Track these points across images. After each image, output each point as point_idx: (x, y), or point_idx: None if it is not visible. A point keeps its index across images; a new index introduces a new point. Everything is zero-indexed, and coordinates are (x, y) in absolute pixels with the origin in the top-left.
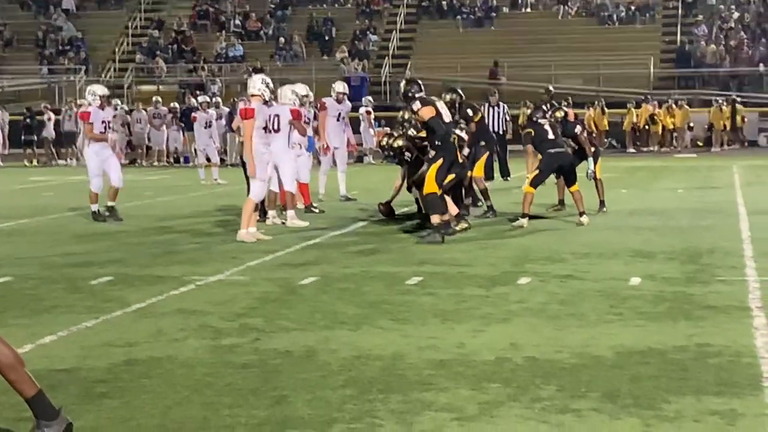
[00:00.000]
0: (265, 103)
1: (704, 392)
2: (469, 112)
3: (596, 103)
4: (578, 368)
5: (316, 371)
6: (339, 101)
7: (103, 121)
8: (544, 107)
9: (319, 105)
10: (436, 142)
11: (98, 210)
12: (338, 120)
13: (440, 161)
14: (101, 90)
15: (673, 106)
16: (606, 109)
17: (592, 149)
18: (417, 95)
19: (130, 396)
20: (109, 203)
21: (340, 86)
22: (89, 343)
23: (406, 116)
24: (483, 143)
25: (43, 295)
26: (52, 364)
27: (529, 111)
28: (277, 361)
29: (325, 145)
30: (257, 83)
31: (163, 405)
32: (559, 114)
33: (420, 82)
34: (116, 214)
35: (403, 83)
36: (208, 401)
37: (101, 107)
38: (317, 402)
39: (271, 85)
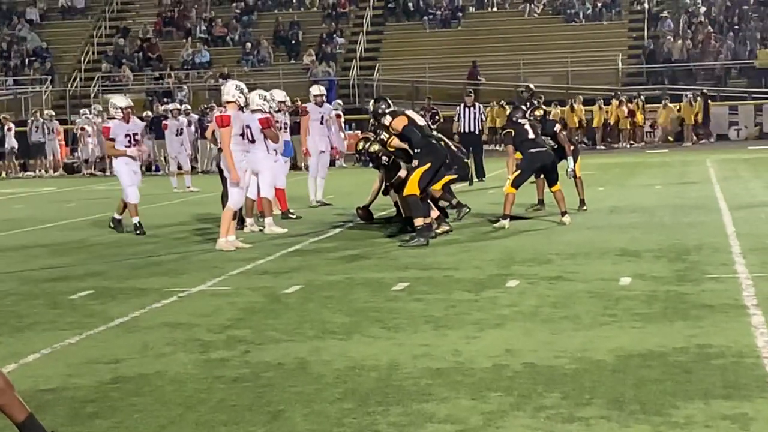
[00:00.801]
0: (241, 109)
1: (712, 396)
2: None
3: (572, 100)
4: (580, 374)
5: (311, 384)
6: (319, 104)
7: (127, 134)
8: (523, 107)
9: (301, 110)
10: (416, 150)
11: (139, 222)
12: (321, 123)
13: (427, 165)
14: (123, 101)
15: (640, 102)
16: (576, 107)
17: (572, 148)
18: (387, 111)
19: (122, 415)
20: (117, 215)
21: (316, 89)
22: (74, 360)
23: (375, 148)
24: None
25: (23, 312)
26: (37, 384)
27: (506, 111)
28: (270, 374)
29: (305, 150)
30: (231, 90)
31: (156, 424)
32: (539, 113)
33: (387, 99)
34: (122, 227)
35: (371, 102)
36: (203, 419)
37: (125, 120)
38: (315, 416)
39: (246, 90)
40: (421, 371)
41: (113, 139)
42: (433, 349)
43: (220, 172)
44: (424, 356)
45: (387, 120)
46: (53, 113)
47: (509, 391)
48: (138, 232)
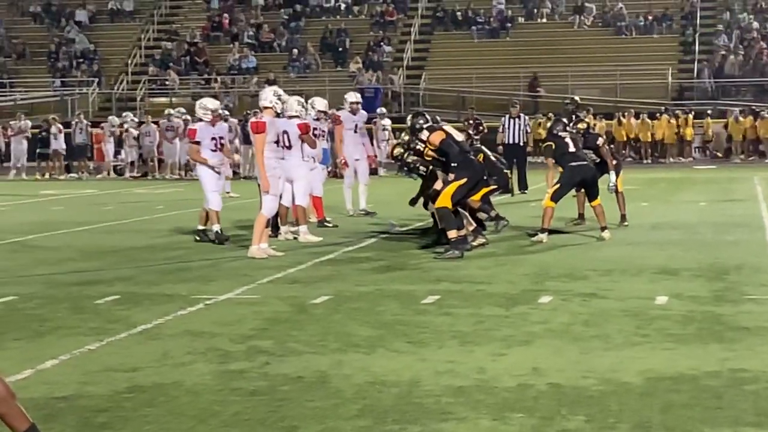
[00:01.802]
0: (278, 115)
1: (742, 423)
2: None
3: (620, 114)
4: (606, 396)
5: (329, 399)
6: (353, 112)
7: (213, 138)
8: (564, 120)
9: (333, 119)
10: (453, 164)
11: (220, 230)
12: (355, 131)
13: (464, 180)
14: (213, 104)
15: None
16: (624, 121)
17: (614, 162)
18: (425, 126)
19: (132, 427)
20: (200, 226)
21: (352, 96)
22: (91, 367)
23: (406, 137)
24: (495, 178)
25: (46, 316)
26: (52, 392)
27: (548, 123)
28: (287, 388)
29: (343, 161)
30: (269, 95)
31: None
32: (582, 126)
33: (426, 114)
34: (207, 237)
35: (410, 117)
36: None
37: (212, 123)
38: None
39: (284, 96)
40: (442, 389)
41: (198, 142)
42: (458, 366)
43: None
44: (447, 373)
45: (425, 135)
46: (172, 111)
47: (532, 413)
48: (217, 241)
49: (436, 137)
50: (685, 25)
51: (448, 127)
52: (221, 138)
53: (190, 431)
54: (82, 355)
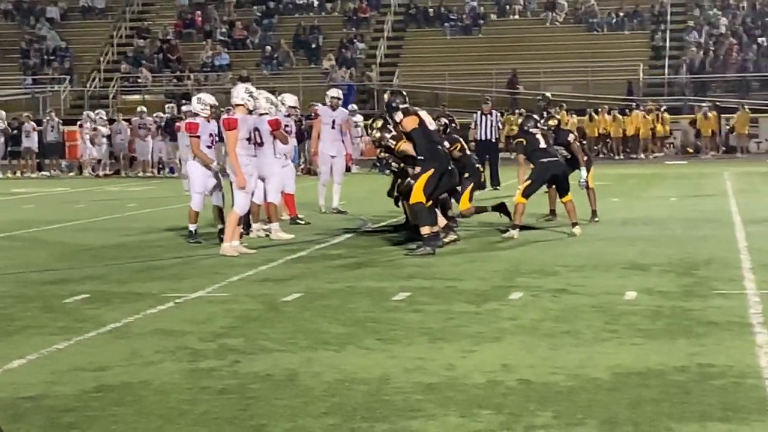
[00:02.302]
0: (250, 112)
1: (708, 418)
2: (446, 144)
3: (598, 109)
4: (575, 392)
5: (298, 397)
6: (333, 107)
7: (210, 134)
8: (535, 116)
9: (312, 113)
10: (419, 156)
11: (196, 230)
12: (332, 127)
13: (431, 171)
14: (210, 99)
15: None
16: (597, 117)
17: (585, 158)
18: (401, 106)
19: (99, 427)
20: (221, 226)
21: (334, 92)
22: (59, 367)
23: (377, 135)
24: (468, 175)
25: (15, 315)
26: (18, 392)
27: (520, 119)
28: (257, 386)
29: (314, 151)
30: (240, 92)
31: None
32: (553, 122)
33: (404, 93)
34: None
35: (387, 94)
36: None
37: (208, 119)
38: (297, 431)
39: (256, 93)
40: (412, 386)
41: (199, 137)
42: (427, 363)
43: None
44: (416, 370)
45: (398, 116)
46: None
47: (500, 409)
48: (192, 240)
49: (409, 123)
50: (655, 21)
51: (423, 114)
52: (216, 134)
53: (157, 430)
54: (50, 354)
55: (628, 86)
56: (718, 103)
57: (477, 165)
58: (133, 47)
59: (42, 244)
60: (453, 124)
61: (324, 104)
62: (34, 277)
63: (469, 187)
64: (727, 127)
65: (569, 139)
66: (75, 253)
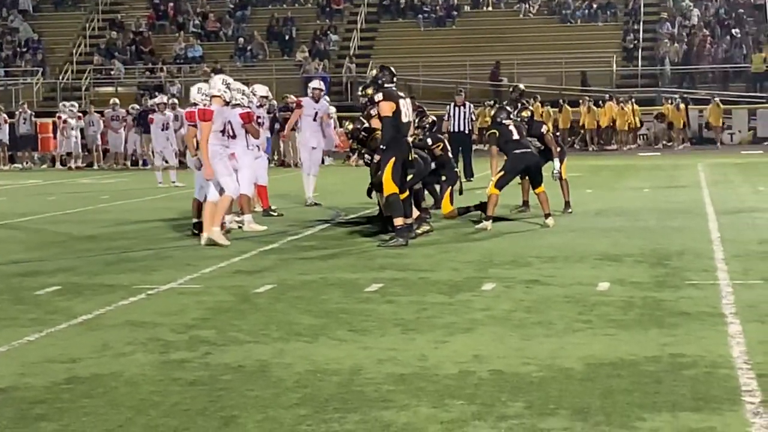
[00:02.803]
0: (227, 104)
1: (680, 408)
2: (429, 141)
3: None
4: (547, 382)
5: (269, 388)
6: (315, 99)
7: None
8: (508, 108)
9: (296, 103)
10: (382, 145)
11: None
12: (314, 119)
13: (392, 161)
14: (238, 85)
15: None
16: (567, 108)
17: (558, 149)
18: (386, 85)
19: (69, 418)
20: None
21: (316, 83)
22: (30, 359)
23: (350, 127)
24: (445, 178)
25: None
26: None
27: (493, 111)
28: (228, 377)
29: (284, 135)
30: (218, 84)
31: (103, 428)
32: (526, 114)
33: (393, 71)
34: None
35: (375, 69)
36: (152, 423)
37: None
38: (268, 423)
39: (233, 85)
40: (384, 377)
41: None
42: (399, 354)
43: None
44: (388, 361)
45: (378, 96)
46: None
47: (472, 399)
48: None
49: (385, 108)
50: (628, 13)
51: (403, 103)
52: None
53: (128, 422)
54: (20, 346)
55: (582, 77)
56: (685, 95)
57: (455, 168)
58: (106, 39)
59: (13, 236)
60: (425, 117)
61: (304, 96)
62: (3, 269)
63: (448, 191)
64: (702, 121)
65: (543, 130)
66: (46, 245)
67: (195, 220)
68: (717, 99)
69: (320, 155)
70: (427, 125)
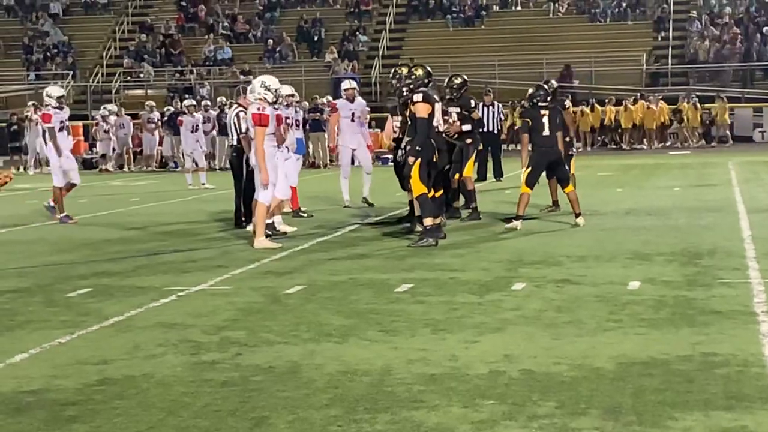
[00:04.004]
0: (272, 104)
1: (712, 407)
2: (471, 102)
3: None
4: (578, 381)
5: (300, 389)
6: (350, 99)
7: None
8: (545, 87)
9: (330, 107)
10: (416, 147)
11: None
12: (352, 120)
13: (419, 162)
14: (276, 83)
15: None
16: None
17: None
18: (423, 88)
19: (101, 419)
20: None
21: (347, 83)
22: (61, 361)
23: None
24: (469, 140)
25: (17, 309)
26: (20, 386)
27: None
28: (259, 378)
29: (332, 145)
30: (256, 87)
31: (135, 429)
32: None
33: (430, 71)
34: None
35: (420, 69)
36: (183, 425)
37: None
38: (299, 423)
39: (272, 86)
40: (414, 377)
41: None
42: (430, 354)
43: (233, 169)
44: (419, 361)
45: (417, 97)
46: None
47: (503, 399)
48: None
49: (422, 110)
50: (657, 11)
51: (438, 107)
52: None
53: (159, 423)
54: (52, 348)
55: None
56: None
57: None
58: (136, 42)
59: (44, 239)
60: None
61: (338, 98)
62: (36, 271)
63: (473, 155)
64: (708, 119)
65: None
66: (77, 248)
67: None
68: (723, 96)
69: (367, 154)
70: (456, 85)
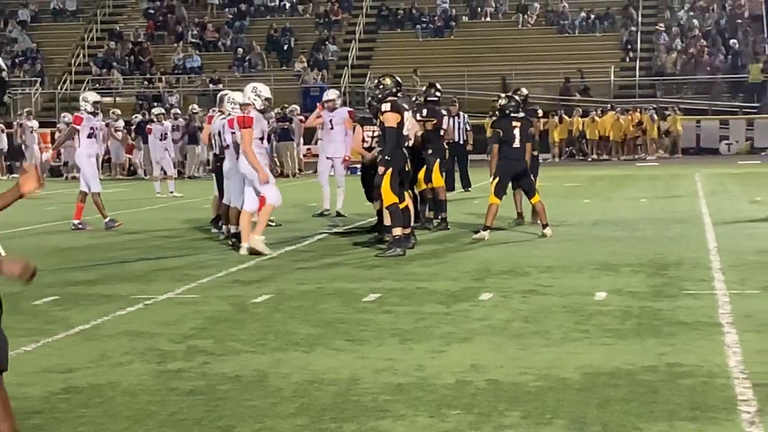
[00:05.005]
0: (262, 111)
1: (677, 417)
2: (424, 112)
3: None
4: (544, 392)
5: (267, 398)
6: (330, 109)
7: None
8: (517, 98)
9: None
10: (386, 157)
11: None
12: (332, 128)
13: (390, 171)
14: (267, 92)
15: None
16: (569, 119)
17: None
18: (393, 97)
19: (66, 428)
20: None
21: (326, 95)
22: (27, 369)
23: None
24: (430, 151)
25: None
26: None
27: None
28: (225, 387)
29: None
30: (247, 92)
31: None
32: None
33: (399, 80)
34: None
35: (388, 79)
36: None
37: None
38: None
39: (263, 93)
40: (381, 386)
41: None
42: (397, 364)
43: (217, 176)
44: (386, 371)
45: (385, 107)
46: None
47: (469, 409)
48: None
49: (391, 119)
50: (626, 23)
51: (407, 116)
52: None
53: None
54: (18, 356)
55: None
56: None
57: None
58: (105, 49)
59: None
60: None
61: (309, 107)
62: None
63: (437, 163)
64: (700, 132)
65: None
66: (44, 255)
67: (234, 230)
68: (676, 108)
69: (340, 167)
70: (432, 98)
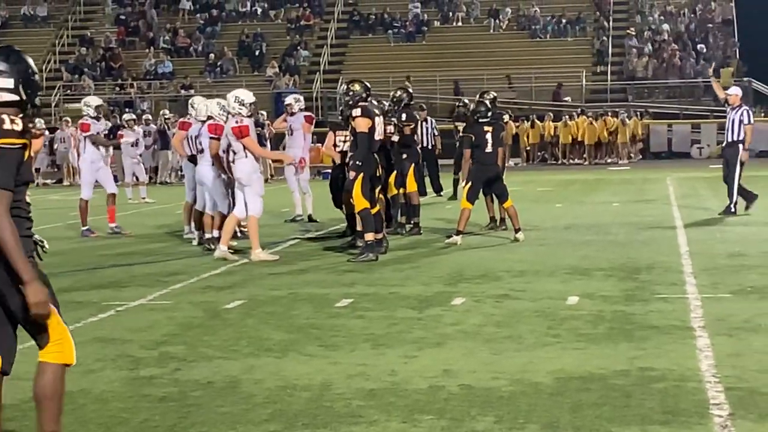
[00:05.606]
0: (248, 117)
1: (650, 421)
2: (403, 116)
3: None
4: (516, 396)
5: (239, 404)
6: (290, 114)
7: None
8: (487, 103)
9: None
10: (357, 162)
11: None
12: (291, 134)
13: (361, 176)
14: (250, 97)
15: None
16: (541, 123)
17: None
18: (364, 103)
19: None
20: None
21: (289, 98)
22: None
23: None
24: (405, 156)
25: None
26: None
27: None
28: (198, 393)
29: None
30: (230, 102)
31: None
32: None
33: (369, 85)
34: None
35: (359, 84)
36: None
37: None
38: None
39: (247, 100)
40: (354, 392)
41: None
42: (369, 369)
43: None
44: (358, 376)
45: (356, 112)
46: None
47: (442, 414)
48: (208, 246)
49: (362, 124)
50: (597, 28)
51: (378, 121)
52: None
53: None
54: None
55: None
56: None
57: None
58: (76, 55)
59: None
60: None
61: (280, 112)
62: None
63: (411, 168)
64: (671, 136)
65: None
66: None
67: (208, 236)
68: (638, 112)
69: (302, 173)
70: (402, 101)
